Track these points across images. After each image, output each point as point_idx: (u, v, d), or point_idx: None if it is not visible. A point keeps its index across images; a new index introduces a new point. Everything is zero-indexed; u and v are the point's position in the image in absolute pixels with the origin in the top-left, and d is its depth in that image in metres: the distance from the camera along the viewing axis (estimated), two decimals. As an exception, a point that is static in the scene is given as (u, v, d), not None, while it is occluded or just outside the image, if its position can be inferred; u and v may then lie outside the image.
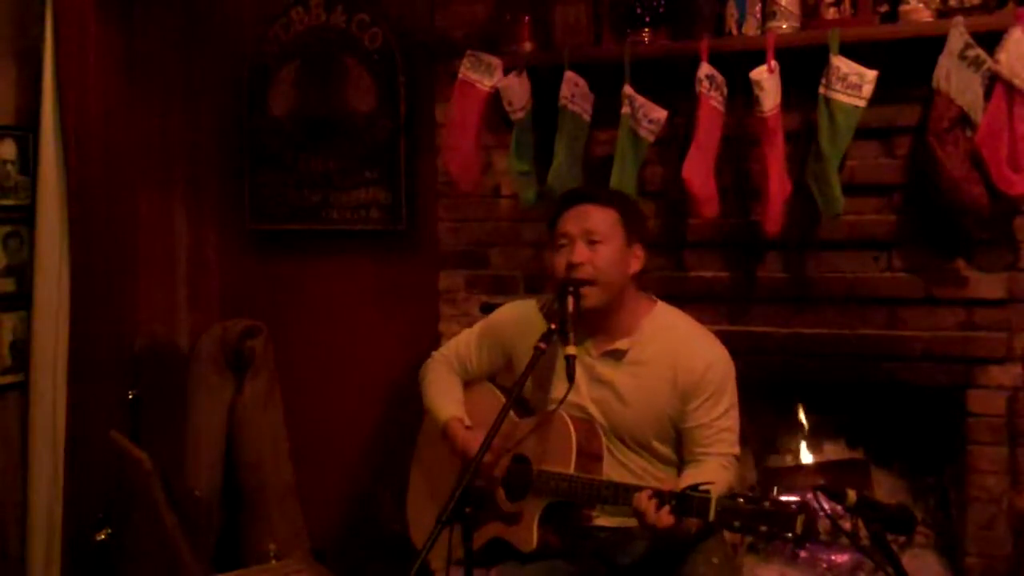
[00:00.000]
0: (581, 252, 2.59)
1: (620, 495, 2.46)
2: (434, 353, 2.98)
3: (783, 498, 3.09)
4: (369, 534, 3.93)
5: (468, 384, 2.91)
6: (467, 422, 2.77)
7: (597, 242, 2.60)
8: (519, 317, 2.83)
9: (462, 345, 2.93)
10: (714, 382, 2.60)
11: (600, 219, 2.63)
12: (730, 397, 2.62)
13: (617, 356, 2.66)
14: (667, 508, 2.32)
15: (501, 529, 2.67)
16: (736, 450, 2.63)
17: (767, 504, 2.23)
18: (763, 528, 2.21)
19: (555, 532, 2.62)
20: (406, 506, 3.01)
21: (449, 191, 3.64)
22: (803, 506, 2.23)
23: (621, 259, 2.63)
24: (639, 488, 2.41)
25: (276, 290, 4.19)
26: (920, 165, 3.00)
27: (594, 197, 2.69)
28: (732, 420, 2.62)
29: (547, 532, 2.60)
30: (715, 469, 2.54)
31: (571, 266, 2.59)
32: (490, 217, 3.63)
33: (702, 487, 2.31)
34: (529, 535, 2.59)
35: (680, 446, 2.66)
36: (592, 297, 2.59)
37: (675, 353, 2.62)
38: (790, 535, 2.19)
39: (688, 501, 2.31)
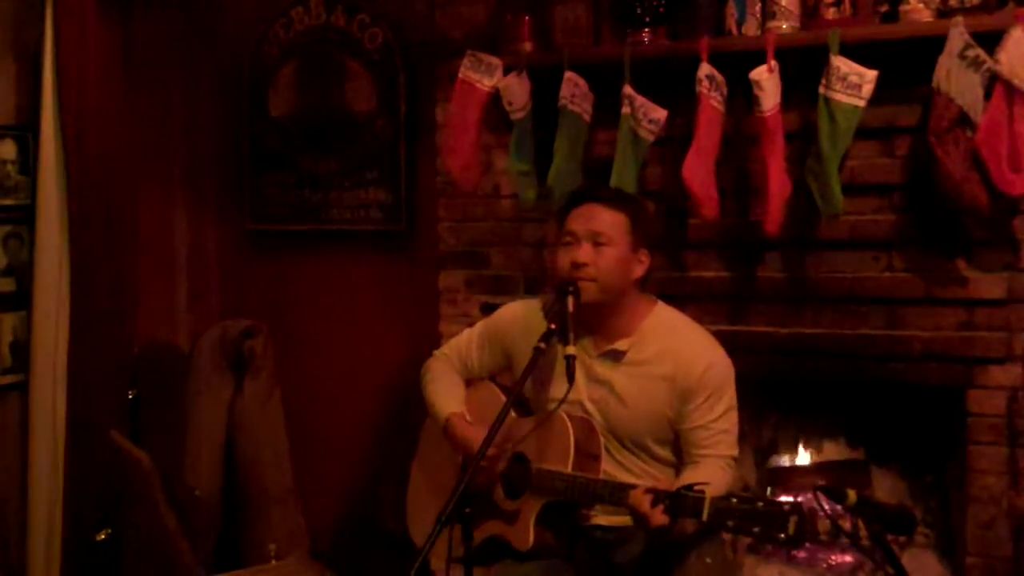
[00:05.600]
0: (586, 252, 2.60)
1: (616, 493, 2.46)
2: (436, 351, 2.99)
3: (778, 499, 3.08)
4: (369, 534, 3.93)
5: (470, 383, 2.92)
6: (468, 419, 2.78)
7: (602, 244, 2.60)
8: (520, 317, 2.83)
9: (463, 344, 2.93)
10: (712, 383, 2.59)
11: (608, 221, 2.62)
12: (729, 399, 2.62)
13: (616, 356, 2.66)
14: (661, 507, 2.33)
15: (499, 527, 2.67)
16: (735, 452, 2.64)
17: (760, 505, 2.24)
18: (756, 529, 2.22)
19: (552, 531, 2.62)
20: (406, 504, 3.01)
21: (449, 191, 3.64)
22: (797, 507, 2.22)
23: (625, 263, 2.63)
24: (634, 486, 2.42)
25: (276, 290, 4.19)
26: (920, 165, 2.99)
27: (605, 198, 2.68)
28: (730, 422, 2.62)
29: (544, 531, 2.61)
30: (713, 471, 2.54)
31: (575, 265, 2.59)
32: (490, 217, 3.63)
33: (697, 487, 2.32)
34: (526, 534, 2.60)
35: (678, 448, 2.66)
36: (589, 292, 2.59)
37: (674, 354, 2.62)
38: (782, 536, 2.19)
39: (682, 500, 2.32)
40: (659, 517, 2.33)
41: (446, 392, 2.86)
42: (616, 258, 2.61)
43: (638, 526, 2.41)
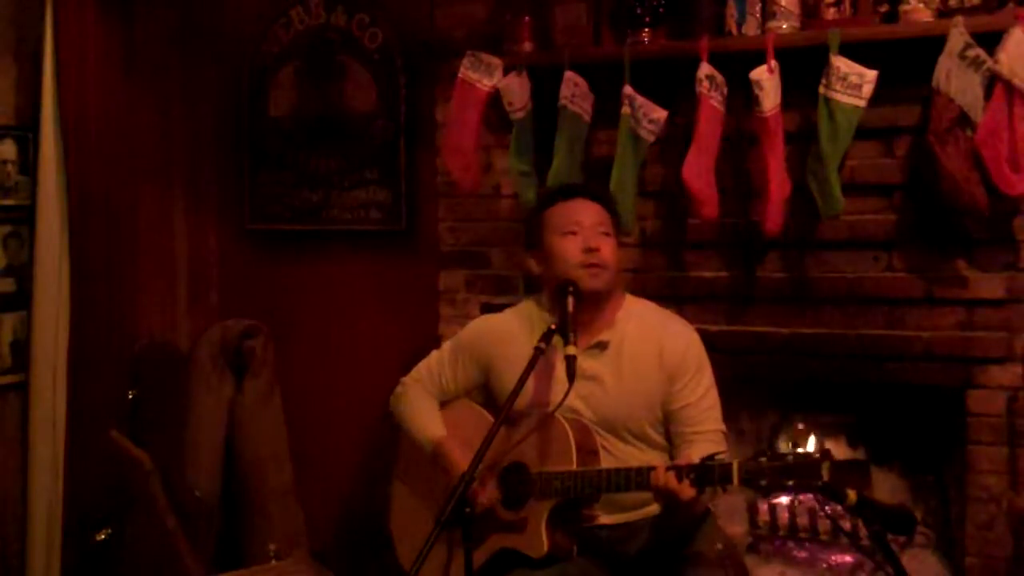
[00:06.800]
0: (599, 239, 2.65)
1: (632, 479, 2.46)
2: (403, 379, 2.95)
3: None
4: (369, 534, 3.92)
5: (444, 403, 2.89)
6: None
7: (607, 235, 2.68)
8: (493, 328, 2.85)
9: (434, 365, 2.91)
10: (695, 360, 2.66)
11: (605, 216, 2.72)
12: (709, 375, 2.69)
13: (601, 348, 2.68)
14: (687, 480, 2.34)
15: (506, 540, 2.64)
16: (723, 426, 2.67)
17: (790, 458, 2.25)
18: (790, 482, 2.23)
19: (564, 532, 2.61)
20: (391, 527, 2.97)
21: (449, 191, 3.64)
22: (827, 453, 2.23)
23: (619, 255, 2.72)
24: (653, 468, 2.42)
25: (276, 290, 4.19)
26: (920, 165, 2.99)
27: (596, 195, 2.77)
28: (714, 398, 2.68)
29: (556, 534, 2.60)
30: (711, 445, 2.55)
31: (590, 251, 2.63)
32: (490, 217, 3.63)
33: (717, 456, 2.34)
34: (539, 540, 2.57)
35: (668, 431, 2.68)
36: (601, 279, 2.64)
37: (656, 337, 2.67)
38: (819, 483, 2.19)
39: (709, 471, 2.33)
40: (688, 490, 2.34)
41: (426, 417, 2.84)
42: (616, 248, 2.70)
43: (665, 504, 2.42)
